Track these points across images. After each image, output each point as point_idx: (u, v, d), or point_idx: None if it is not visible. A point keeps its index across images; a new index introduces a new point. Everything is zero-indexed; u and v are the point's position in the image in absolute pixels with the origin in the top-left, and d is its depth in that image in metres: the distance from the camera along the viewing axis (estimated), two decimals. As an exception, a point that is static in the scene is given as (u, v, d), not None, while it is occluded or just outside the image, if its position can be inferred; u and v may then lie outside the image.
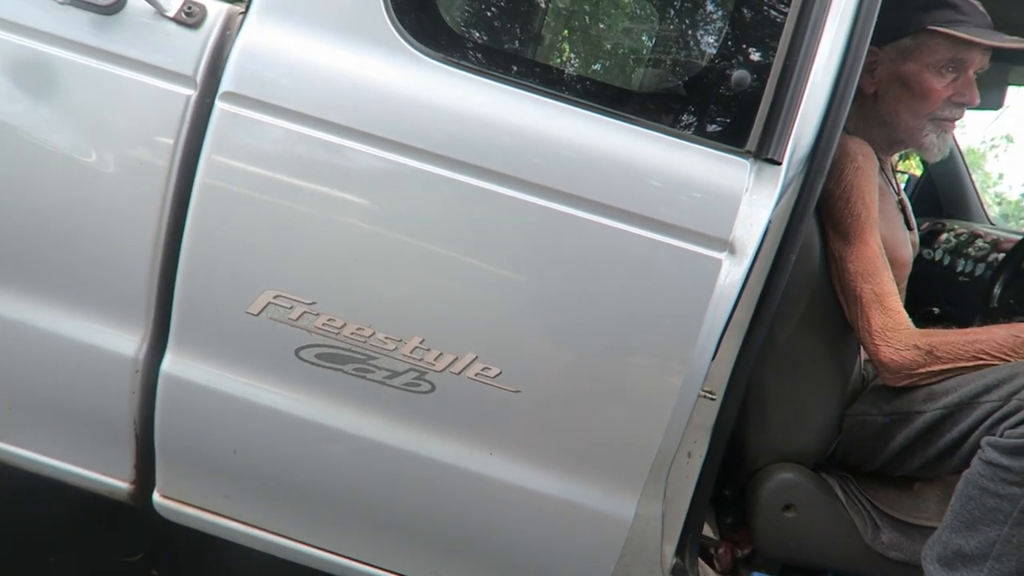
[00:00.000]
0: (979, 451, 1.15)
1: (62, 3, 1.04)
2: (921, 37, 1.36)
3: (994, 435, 1.14)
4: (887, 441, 1.31)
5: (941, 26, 1.33)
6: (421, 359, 1.09)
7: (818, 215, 1.33)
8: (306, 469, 1.18)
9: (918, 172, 2.88)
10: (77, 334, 1.17)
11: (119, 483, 1.27)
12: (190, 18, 1.07)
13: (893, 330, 1.26)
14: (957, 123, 1.42)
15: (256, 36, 1.07)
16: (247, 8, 1.08)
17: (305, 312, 1.09)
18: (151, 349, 1.17)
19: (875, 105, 1.43)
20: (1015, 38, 1.31)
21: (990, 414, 1.16)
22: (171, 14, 1.07)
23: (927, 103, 1.36)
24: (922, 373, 1.26)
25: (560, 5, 1.25)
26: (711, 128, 1.04)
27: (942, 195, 2.76)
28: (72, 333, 1.17)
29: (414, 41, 1.06)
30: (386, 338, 1.09)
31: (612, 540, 1.13)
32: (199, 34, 1.07)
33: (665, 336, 1.04)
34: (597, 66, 1.18)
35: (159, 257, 1.12)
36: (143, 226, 1.11)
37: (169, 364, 1.16)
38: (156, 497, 1.26)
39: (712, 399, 1.16)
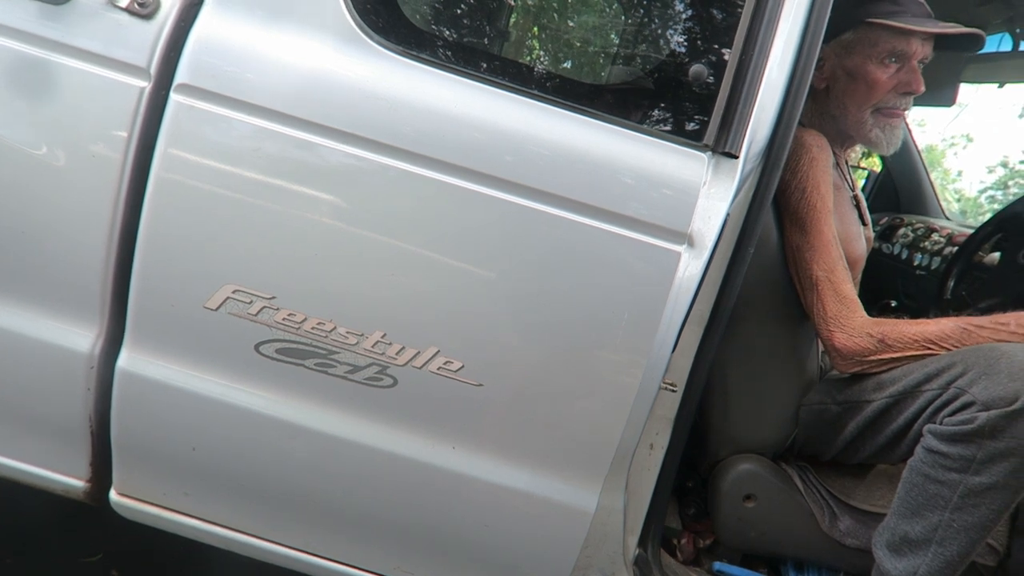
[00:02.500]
0: (921, 438, 1.19)
1: (9, -9, 1.01)
2: (861, 30, 1.41)
3: (934, 423, 1.17)
4: (840, 430, 1.34)
5: (878, 18, 1.38)
6: (383, 353, 1.09)
7: (775, 207, 1.35)
8: (267, 465, 1.17)
9: (877, 168, 2.95)
10: (30, 330, 1.14)
11: (75, 482, 1.24)
12: (143, 8, 1.05)
13: (847, 317, 1.29)
14: (917, 122, 1.47)
15: (212, 27, 1.05)
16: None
17: (265, 307, 1.08)
18: (106, 345, 1.15)
19: (827, 100, 1.46)
20: (951, 24, 1.35)
21: (931, 402, 1.19)
22: (123, 4, 1.04)
23: (872, 94, 1.40)
24: (873, 360, 1.29)
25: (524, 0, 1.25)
26: (670, 123, 1.05)
27: (900, 191, 2.83)
28: (25, 329, 1.14)
29: (373, 34, 1.05)
30: (347, 332, 1.08)
31: (574, 532, 1.14)
32: (153, 24, 1.05)
33: (626, 329, 1.05)
34: (560, 61, 1.18)
35: (113, 252, 1.10)
36: (97, 220, 1.08)
37: (125, 360, 1.14)
38: (113, 495, 1.24)
39: (673, 391, 1.17)
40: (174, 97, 1.04)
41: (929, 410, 1.19)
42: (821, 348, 1.50)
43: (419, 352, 1.08)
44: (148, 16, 1.05)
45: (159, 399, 1.14)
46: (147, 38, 1.05)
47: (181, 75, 1.04)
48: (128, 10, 1.05)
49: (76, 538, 1.75)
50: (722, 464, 1.39)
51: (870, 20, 1.39)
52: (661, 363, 1.08)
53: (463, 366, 1.08)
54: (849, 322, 1.28)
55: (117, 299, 1.12)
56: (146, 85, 1.05)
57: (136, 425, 1.17)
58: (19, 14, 1.05)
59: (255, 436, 1.15)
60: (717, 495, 1.38)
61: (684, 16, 1.08)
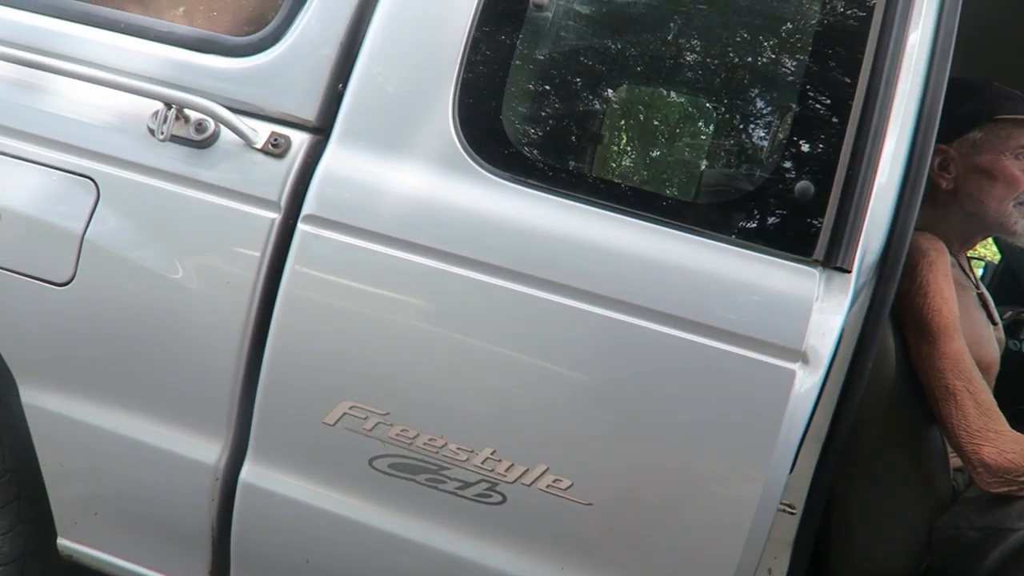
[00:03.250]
0: None
1: (162, 140, 1.14)
2: (989, 128, 1.39)
3: None
4: (980, 559, 1.23)
5: (1009, 114, 1.37)
6: (492, 470, 1.09)
7: (893, 316, 1.30)
8: (378, 580, 1.18)
9: (996, 259, 2.79)
10: (161, 442, 1.22)
11: (195, 590, 1.29)
12: (276, 148, 1.15)
13: (995, 431, 1.21)
14: None
15: (336, 162, 1.14)
16: (327, 136, 1.16)
17: (379, 423, 1.12)
18: (231, 458, 1.21)
19: (955, 200, 1.43)
20: None
21: None
22: (259, 146, 1.15)
23: (1010, 188, 1.38)
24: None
25: (621, 121, 1.30)
26: (778, 238, 1.05)
27: (1024, 280, 2.65)
28: (156, 441, 1.22)
29: (481, 161, 1.12)
30: (458, 448, 1.10)
31: (693, 664, 1.08)
32: (283, 163, 1.15)
33: (740, 448, 1.02)
34: (662, 179, 1.21)
35: (242, 369, 1.17)
36: (228, 340, 1.16)
37: (247, 473, 1.19)
38: (230, 605, 1.27)
39: (792, 513, 1.12)
40: (301, 227, 1.13)
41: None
42: (955, 466, 1.40)
43: (528, 469, 1.08)
44: (280, 155, 1.15)
45: (277, 511, 1.19)
46: (278, 175, 1.15)
47: (308, 207, 1.13)
48: (263, 151, 1.15)
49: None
50: (847, 590, 1.30)
51: (998, 117, 1.37)
52: (779, 484, 1.03)
53: (572, 484, 1.07)
54: (998, 436, 1.19)
55: (243, 414, 1.19)
56: (276, 216, 1.15)
57: (254, 536, 1.22)
58: (167, 157, 1.18)
59: (366, 549, 1.17)
60: (843, 623, 1.28)
61: (789, 131, 1.09)
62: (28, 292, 1.21)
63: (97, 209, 1.19)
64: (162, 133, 1.13)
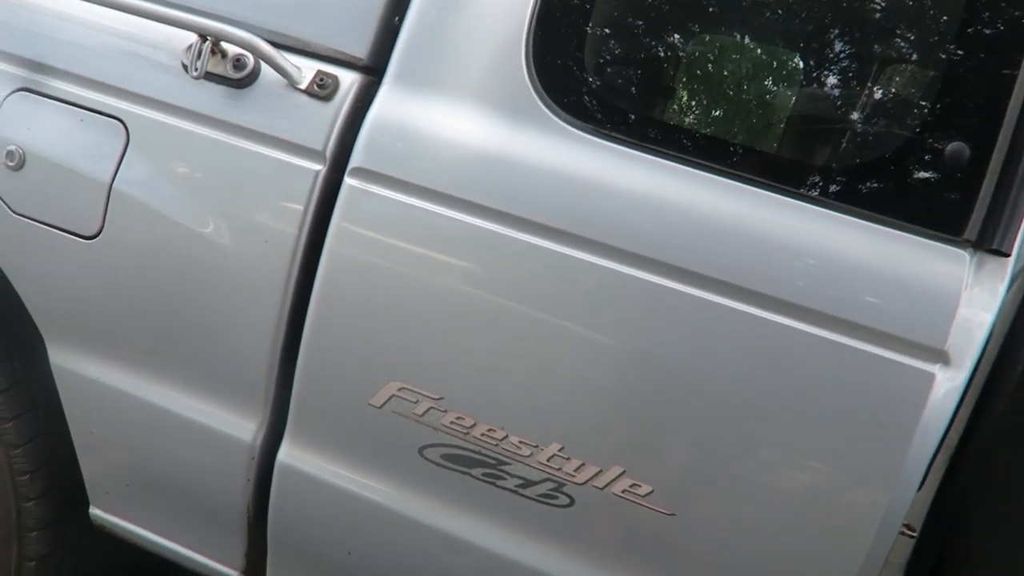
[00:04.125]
0: None
1: (196, 78, 1.00)
2: None
3: None
4: None
5: None
6: (559, 469, 0.95)
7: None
8: (426, 579, 1.07)
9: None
10: (196, 416, 1.12)
11: (229, 571, 1.20)
12: (322, 90, 1.00)
13: None
14: None
15: (389, 108, 0.99)
16: (380, 78, 1.01)
17: (432, 408, 0.98)
18: (268, 437, 1.10)
19: None
20: None
21: None
22: (303, 86, 1.01)
23: None
24: None
25: (726, 67, 1.10)
26: (921, 212, 0.86)
27: None
28: (191, 415, 1.12)
29: (560, 111, 0.95)
30: (520, 442, 0.96)
31: None
32: (330, 107, 1.01)
33: (863, 461, 0.86)
34: (777, 135, 1.02)
35: (281, 339, 1.05)
36: (266, 305, 1.04)
37: (285, 454, 1.08)
38: (266, 590, 1.18)
39: (911, 536, 0.95)
40: (348, 181, 0.98)
41: None
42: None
43: (601, 471, 0.94)
44: (326, 98, 1.00)
45: (317, 497, 1.07)
46: (324, 120, 1.00)
47: (356, 158, 0.98)
48: (308, 92, 1.01)
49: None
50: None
51: None
52: (904, 503, 0.87)
53: (652, 491, 0.93)
54: None
55: (281, 390, 1.07)
56: (321, 168, 1.00)
57: (292, 521, 1.11)
58: (203, 98, 1.04)
59: (415, 546, 1.05)
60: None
61: (940, 81, 0.89)
62: (54, 245, 1.10)
63: (126, 154, 1.07)
64: (196, 69, 1.00)
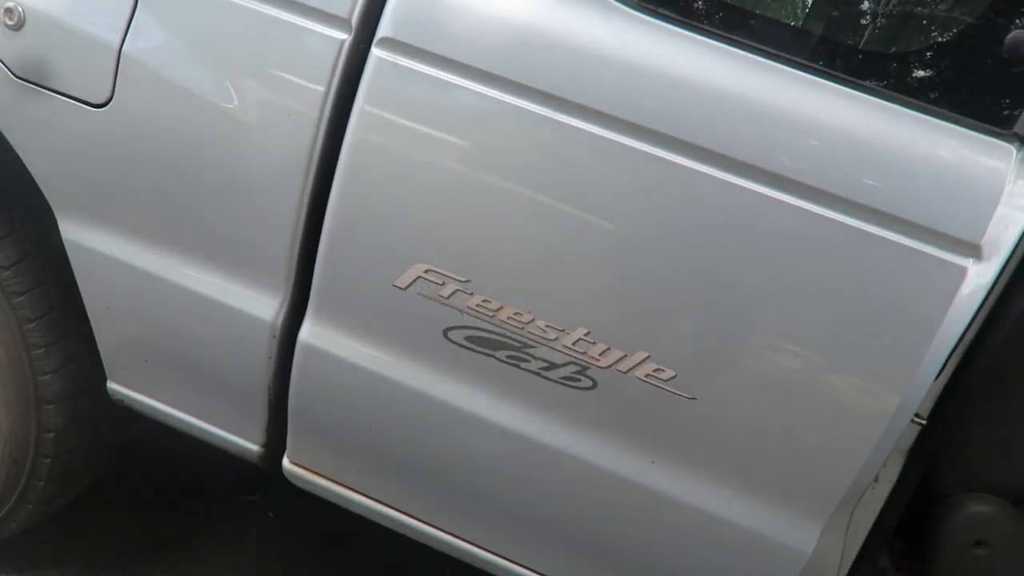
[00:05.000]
0: None
1: (213, -68, 0.93)
2: None
3: None
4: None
5: None
6: (584, 352, 0.97)
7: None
8: (447, 456, 1.10)
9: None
10: (215, 293, 1.11)
11: (250, 445, 1.22)
12: (349, -50, 0.94)
13: None
14: None
15: (422, -28, 0.93)
16: (413, -61, 0.94)
17: (458, 290, 0.98)
18: (289, 315, 1.09)
19: None
20: None
21: None
22: (328, -55, 0.94)
23: None
24: None
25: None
26: (969, 103, 0.84)
27: None
28: (210, 292, 1.11)
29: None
30: (546, 326, 0.97)
31: (785, 573, 1.00)
32: (358, -32, 0.94)
33: (885, 351, 0.87)
34: (829, 21, 0.98)
35: (303, 216, 1.03)
36: (287, 181, 1.01)
37: (307, 333, 1.08)
38: (286, 463, 1.21)
39: (921, 424, 0.99)
40: (375, 52, 0.94)
41: None
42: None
43: (626, 355, 0.95)
44: (353, -41, 0.94)
45: (339, 376, 1.09)
46: (350, -15, 0.94)
47: (384, 28, 0.93)
48: (332, -48, 0.94)
49: (238, 474, 1.79)
50: (950, 501, 1.19)
51: None
52: (920, 393, 0.90)
53: (676, 375, 0.94)
54: None
55: (303, 267, 1.06)
56: (347, 37, 0.95)
57: (314, 399, 1.13)
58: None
59: (436, 424, 1.07)
60: (940, 536, 1.19)
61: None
62: (63, 113, 1.06)
63: (135, 16, 1.00)
64: (211, -77, 0.92)
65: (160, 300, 1.14)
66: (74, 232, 1.14)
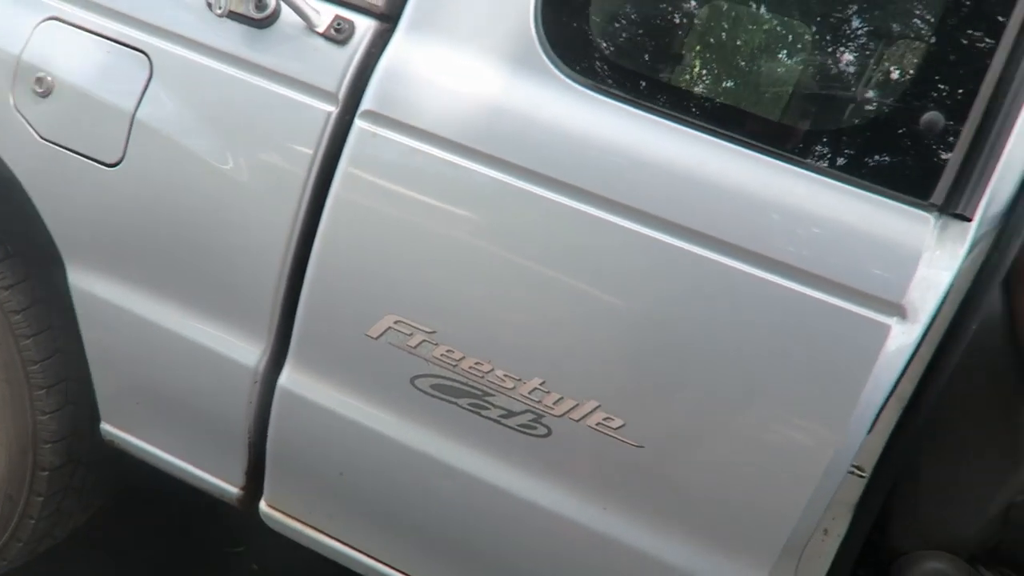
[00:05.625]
0: None
1: (220, 15, 1.05)
2: None
3: None
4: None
5: None
6: (540, 401, 1.02)
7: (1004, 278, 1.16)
8: (412, 500, 1.14)
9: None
10: (204, 339, 1.19)
11: (229, 487, 1.28)
12: (339, 34, 1.06)
13: None
14: None
15: (401, 55, 1.04)
16: (395, 26, 1.06)
17: (424, 340, 1.05)
18: (270, 362, 1.17)
19: None
20: None
21: None
22: (320, 30, 1.06)
23: None
24: None
25: (722, 32, 1.16)
26: (892, 176, 0.92)
27: None
28: (200, 338, 1.19)
29: (564, 67, 1.00)
30: (505, 375, 1.03)
31: (734, 622, 1.02)
32: (345, 50, 1.06)
33: (817, 404, 0.93)
34: (763, 100, 1.07)
35: (287, 271, 1.11)
36: (274, 238, 1.11)
37: (286, 379, 1.15)
38: (263, 506, 1.26)
39: (860, 476, 1.03)
40: (359, 123, 1.04)
41: None
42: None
43: (578, 404, 1.01)
44: (342, 42, 1.06)
45: (313, 420, 1.15)
46: (339, 64, 1.06)
47: (367, 101, 1.04)
48: (325, 35, 1.06)
49: (224, 527, 1.83)
50: (906, 559, 1.21)
51: None
52: (853, 446, 0.94)
53: (624, 424, 1.00)
54: None
55: (285, 318, 1.14)
56: (333, 109, 1.06)
57: (290, 443, 1.19)
58: (224, 36, 1.10)
59: (402, 468, 1.13)
60: (898, 596, 1.20)
61: (918, 50, 0.94)
62: (78, 171, 1.17)
63: (149, 87, 1.13)
64: (219, 8, 1.05)
65: (155, 345, 1.22)
66: (81, 279, 1.23)
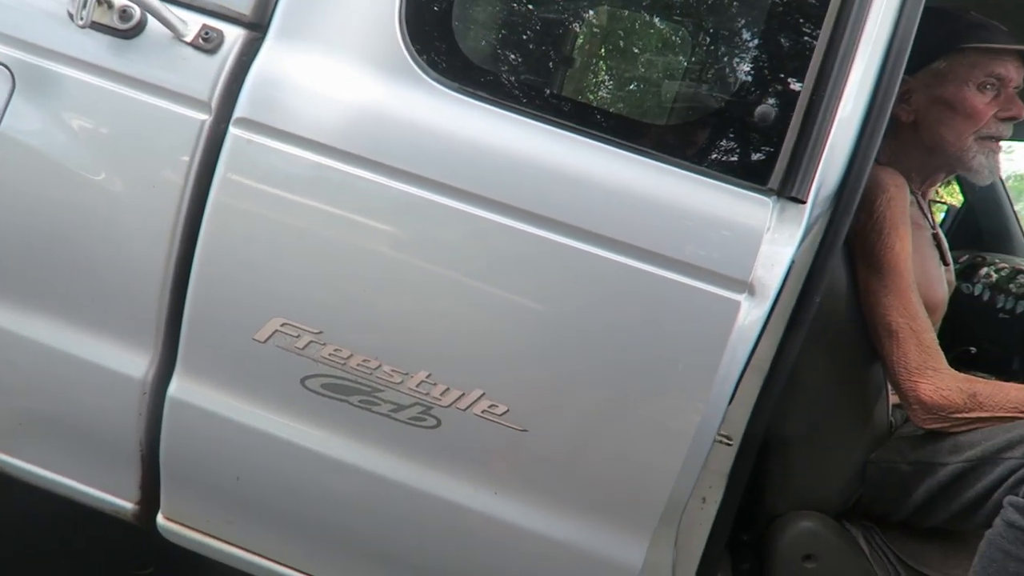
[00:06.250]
0: (1001, 510, 1.09)
1: (82, 26, 1.04)
2: (954, 57, 1.35)
3: (1017, 495, 1.08)
4: (910, 492, 1.25)
5: (975, 43, 1.33)
6: (427, 393, 1.06)
7: (846, 249, 1.28)
8: (309, 499, 1.16)
9: (958, 203, 2.79)
10: (87, 353, 1.16)
11: (124, 503, 1.26)
12: (207, 43, 1.06)
13: (933, 369, 1.21)
14: (1004, 150, 1.39)
15: (271, 62, 1.06)
16: (264, 34, 1.08)
17: (312, 341, 1.07)
18: (159, 372, 1.16)
19: (916, 133, 1.39)
20: None
21: (1012, 471, 1.10)
22: (188, 39, 1.06)
23: (972, 121, 1.34)
24: (957, 419, 1.20)
25: (579, 35, 1.22)
26: (732, 164, 1.00)
27: (983, 226, 2.66)
28: (82, 352, 1.17)
29: (429, 70, 1.04)
30: (392, 371, 1.06)
31: (618, 588, 1.09)
32: (216, 59, 1.07)
33: (680, 378, 1.00)
34: (618, 99, 1.14)
35: (169, 280, 1.11)
36: (154, 248, 1.10)
37: (176, 388, 1.14)
38: (160, 519, 1.25)
39: (729, 444, 1.11)
40: (233, 130, 1.05)
41: (1011, 480, 1.09)
42: (892, 402, 1.41)
43: (464, 394, 1.06)
44: (212, 51, 1.07)
45: (206, 428, 1.15)
46: (209, 72, 1.07)
47: (240, 109, 1.05)
48: (193, 45, 1.07)
49: (130, 547, 1.78)
50: (780, 520, 1.32)
51: (965, 46, 1.33)
52: (717, 415, 1.02)
53: (508, 410, 1.05)
54: (936, 374, 1.20)
55: (171, 327, 1.13)
56: (207, 118, 1.07)
57: (184, 452, 1.18)
58: (89, 47, 1.08)
59: (297, 469, 1.14)
60: (774, 553, 1.30)
61: (750, 51, 1.03)
62: (-60, 188, 1.13)
63: (12, 100, 1.10)
64: (82, 19, 1.04)
65: (34, 363, 1.19)
66: (-51, 300, 1.19)
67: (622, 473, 1.05)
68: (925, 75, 1.37)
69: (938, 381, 1.19)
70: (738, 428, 1.12)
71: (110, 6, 1.07)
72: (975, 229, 2.66)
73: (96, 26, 1.07)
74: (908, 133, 1.40)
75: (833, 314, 1.24)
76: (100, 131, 1.10)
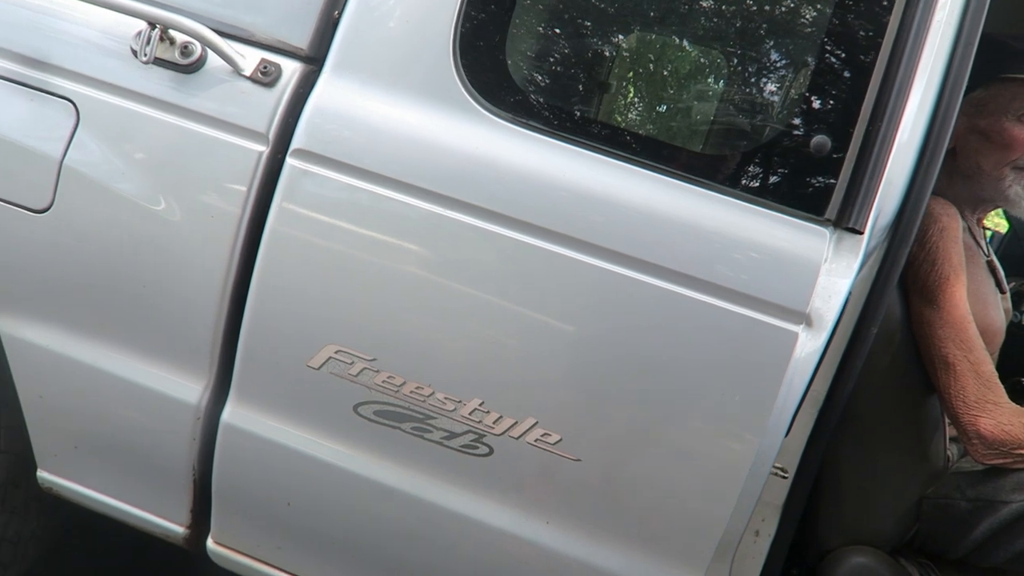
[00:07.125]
0: None
1: (145, 62, 1.07)
2: (994, 87, 1.34)
3: None
4: (970, 530, 1.22)
5: (1015, 73, 1.32)
6: (480, 421, 1.06)
7: (900, 280, 1.26)
8: (359, 526, 1.16)
9: (1003, 228, 2.74)
10: (143, 379, 1.19)
11: (175, 527, 1.27)
12: (265, 77, 1.09)
13: (993, 403, 1.18)
14: None
15: (328, 95, 1.08)
16: (320, 67, 1.10)
17: (365, 368, 1.08)
18: (212, 398, 1.18)
19: (954, 161, 1.38)
20: None
21: None
22: (247, 73, 1.09)
23: (1009, 152, 1.33)
24: (1020, 454, 1.17)
25: (630, 65, 1.23)
26: (789, 195, 1.00)
27: (1030, 251, 2.60)
28: (139, 378, 1.19)
29: (483, 101, 1.06)
30: (445, 398, 1.07)
31: (672, 622, 1.07)
32: (273, 92, 1.09)
33: (737, 410, 0.99)
34: (675, 129, 1.15)
35: (225, 307, 1.13)
36: (211, 276, 1.12)
37: (229, 414, 1.16)
38: (210, 544, 1.26)
39: (784, 477, 1.10)
40: (290, 161, 1.07)
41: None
42: (950, 435, 1.38)
43: (516, 422, 1.06)
44: (269, 84, 1.09)
45: (259, 453, 1.16)
46: (267, 105, 1.09)
47: (297, 140, 1.07)
48: (252, 79, 1.09)
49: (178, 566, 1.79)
50: (833, 555, 1.29)
51: (1006, 76, 1.31)
52: (773, 447, 1.01)
53: (561, 439, 1.05)
54: (996, 408, 1.17)
55: (225, 354, 1.15)
56: (264, 149, 1.09)
57: (236, 477, 1.19)
58: (151, 81, 1.11)
59: (348, 496, 1.15)
60: (826, 588, 1.28)
61: (808, 82, 1.02)
62: (6, 218, 1.16)
63: (76, 133, 1.13)
64: (145, 55, 1.07)
65: (92, 388, 1.21)
66: (11, 325, 1.22)
67: (677, 505, 1.04)
68: (966, 104, 1.35)
69: (999, 416, 1.17)
70: (793, 460, 1.10)
71: (172, 42, 1.10)
72: (1021, 255, 2.61)
73: (159, 61, 1.10)
74: (949, 161, 1.39)
75: (890, 347, 1.22)
76: (160, 163, 1.12)
